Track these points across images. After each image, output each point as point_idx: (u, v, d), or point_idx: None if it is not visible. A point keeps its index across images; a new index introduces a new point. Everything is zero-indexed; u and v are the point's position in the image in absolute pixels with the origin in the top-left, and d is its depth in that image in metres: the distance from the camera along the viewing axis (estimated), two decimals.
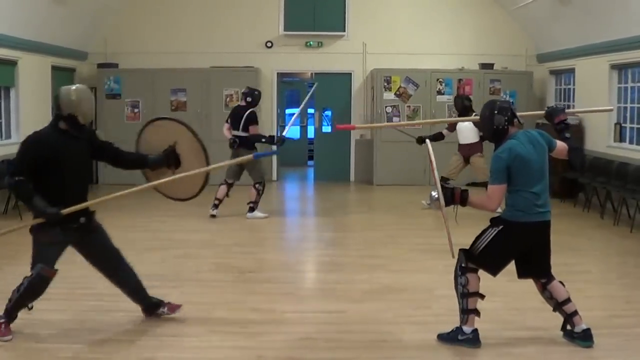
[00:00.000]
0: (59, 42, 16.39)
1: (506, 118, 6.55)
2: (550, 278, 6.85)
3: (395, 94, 18.04)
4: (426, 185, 16.53)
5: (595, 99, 15.05)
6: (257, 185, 13.46)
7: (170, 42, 18.70)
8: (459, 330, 6.71)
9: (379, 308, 7.88)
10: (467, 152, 13.99)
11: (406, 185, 16.85)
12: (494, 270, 6.75)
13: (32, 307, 6.92)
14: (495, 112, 6.56)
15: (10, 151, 13.83)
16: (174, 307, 7.46)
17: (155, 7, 18.79)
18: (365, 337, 6.93)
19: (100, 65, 18.28)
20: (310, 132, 22.22)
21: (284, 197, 16.96)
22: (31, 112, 15.01)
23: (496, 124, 6.56)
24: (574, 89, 16.62)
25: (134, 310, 7.62)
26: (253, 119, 13.35)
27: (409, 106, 17.97)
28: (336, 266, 9.96)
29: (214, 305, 7.91)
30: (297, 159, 21.96)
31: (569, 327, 6.80)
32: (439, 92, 17.94)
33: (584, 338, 6.70)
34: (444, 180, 14.12)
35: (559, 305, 6.78)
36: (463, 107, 14.09)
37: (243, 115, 13.30)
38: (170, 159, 7.51)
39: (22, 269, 8.01)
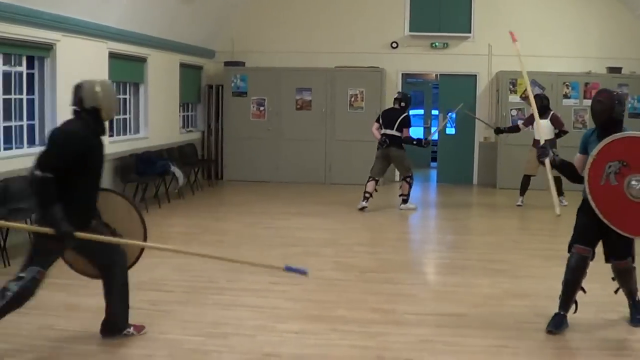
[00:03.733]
0: (187, 40, 16.73)
1: (623, 109, 6.89)
2: None
3: (520, 96, 17.81)
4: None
5: None
6: (407, 179, 14.42)
7: (296, 41, 18.84)
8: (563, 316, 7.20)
9: (500, 313, 7.79)
10: None
11: (530, 189, 16.60)
12: None
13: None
14: (616, 102, 6.81)
15: (139, 145, 14.25)
16: (139, 328, 6.87)
17: (281, 6, 18.96)
18: (484, 342, 6.86)
19: (227, 64, 18.54)
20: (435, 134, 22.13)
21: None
22: (159, 108, 15.37)
23: (615, 114, 6.81)
24: None
25: (256, 305, 7.76)
26: (408, 123, 14.34)
27: None
28: (457, 269, 9.87)
29: (334, 303, 7.94)
30: (420, 160, 21.84)
31: None
32: (565, 96, 17.59)
33: None
34: (526, 178, 15.21)
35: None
36: (542, 106, 14.50)
37: (397, 117, 14.22)
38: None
39: (147, 261, 8.20)
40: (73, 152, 6.06)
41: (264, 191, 16.68)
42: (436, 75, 20.40)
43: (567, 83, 17.75)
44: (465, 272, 9.70)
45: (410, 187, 14.54)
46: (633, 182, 6.71)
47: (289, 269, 6.46)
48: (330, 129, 18.18)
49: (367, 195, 14.20)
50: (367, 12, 18.82)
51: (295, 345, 6.66)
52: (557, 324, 7.12)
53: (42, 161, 6.01)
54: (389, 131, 14.21)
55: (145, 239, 6.81)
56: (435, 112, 21.36)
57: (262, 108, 18.34)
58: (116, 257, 6.58)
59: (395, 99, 14.78)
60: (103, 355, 6.29)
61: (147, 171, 13.82)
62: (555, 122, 14.65)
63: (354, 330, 7.09)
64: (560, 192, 14.70)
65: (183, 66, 16.97)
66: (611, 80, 17.58)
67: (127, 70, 14.40)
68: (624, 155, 6.74)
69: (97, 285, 6.67)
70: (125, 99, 14.62)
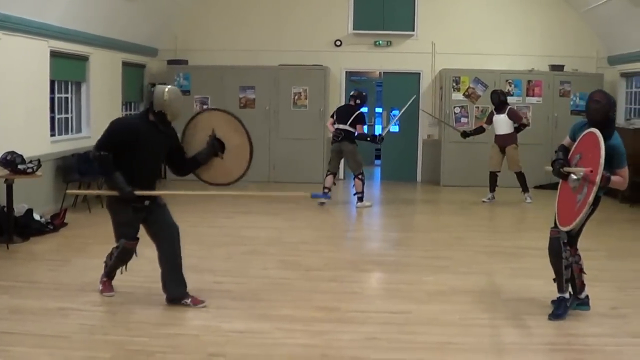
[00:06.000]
0: (130, 39, 16.58)
1: (616, 110, 7.38)
2: None
3: (464, 94, 17.93)
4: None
5: None
6: (360, 176, 14.66)
7: (240, 39, 18.79)
8: (564, 300, 7.45)
9: (445, 310, 7.83)
10: (503, 142, 15.18)
11: (473, 186, 16.72)
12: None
13: (126, 269, 8.03)
14: (612, 102, 7.19)
15: (81, 145, 14.09)
16: (197, 301, 7.76)
17: (226, 4, 18.89)
18: (429, 339, 6.89)
19: (170, 62, 18.42)
20: (378, 132, 22.15)
21: (350, 196, 16.93)
22: (102, 107, 15.19)
23: (612, 114, 7.16)
24: None
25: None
26: (362, 119, 14.74)
27: (478, 107, 17.83)
28: (402, 266, 9.90)
29: (279, 302, 7.91)
30: (364, 158, 21.83)
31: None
32: (508, 94, 17.74)
33: (586, 303, 7.68)
34: (492, 174, 15.24)
35: (580, 272, 7.57)
36: (499, 102, 15.18)
37: (352, 113, 14.59)
38: (215, 146, 7.98)
39: (91, 262, 8.15)
40: (120, 138, 7.42)
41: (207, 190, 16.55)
42: (380, 73, 20.42)
43: (510, 81, 17.91)
44: (410, 269, 9.74)
45: (363, 184, 14.76)
46: (571, 175, 7.24)
47: (314, 196, 8.02)
48: (274, 127, 18.14)
49: (325, 190, 14.52)
50: (311, 10, 18.84)
51: (240, 345, 6.64)
52: (555, 313, 7.47)
53: (97, 141, 7.46)
54: (342, 126, 14.48)
55: (251, 155, 7.99)
56: (379, 109, 21.40)
57: (205, 106, 18.18)
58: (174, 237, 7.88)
59: (351, 96, 15.06)
60: (46, 358, 6.19)
61: (89, 171, 13.65)
62: (513, 116, 14.95)
63: (299, 329, 7.08)
64: (525, 189, 14.89)
65: (125, 65, 16.81)
66: (554, 77, 17.80)
67: (69, 69, 14.22)
68: (583, 147, 7.27)
69: (42, 287, 6.60)
70: (67, 98, 14.43)
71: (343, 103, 18.56)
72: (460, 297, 8.34)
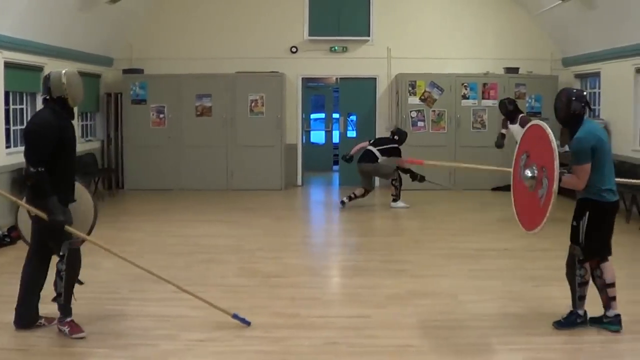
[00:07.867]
0: (85, 48, 16.47)
1: (582, 105, 7.05)
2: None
3: (420, 98, 18.02)
4: (451, 190, 16.50)
5: (620, 103, 14.98)
6: (393, 182, 15.44)
7: (196, 47, 18.76)
8: (575, 314, 7.24)
9: (403, 313, 7.88)
10: None
11: (431, 191, 16.79)
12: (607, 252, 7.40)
13: (83, 282, 7.38)
14: (573, 98, 7.03)
15: None
16: (50, 321, 7.33)
17: (181, 12, 18.85)
18: (389, 342, 6.94)
19: (125, 71, 18.33)
20: (335, 137, 22.19)
21: (309, 202, 16.97)
22: None
23: (572, 110, 7.04)
24: (599, 93, 16.51)
25: (160, 315, 7.70)
26: (397, 153, 15.50)
27: (434, 111, 17.95)
28: (360, 271, 9.95)
29: (238, 309, 7.87)
30: (322, 164, 22.00)
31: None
32: (464, 97, 17.89)
33: (615, 322, 7.15)
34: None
35: (604, 287, 7.23)
36: (507, 112, 14.13)
37: (389, 143, 15.57)
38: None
39: (49, 274, 8.08)
40: (52, 141, 6.84)
41: (166, 199, 16.55)
42: (336, 78, 20.49)
43: (466, 84, 18.04)
44: (369, 273, 9.78)
45: (396, 188, 15.53)
46: (526, 171, 7.14)
47: (235, 317, 7.37)
48: (232, 135, 18.11)
49: (352, 195, 15.52)
50: (267, 17, 18.86)
51: (200, 353, 6.64)
52: (561, 322, 7.34)
53: (31, 158, 6.83)
54: (371, 147, 15.52)
55: (94, 223, 7.69)
56: (336, 115, 21.47)
57: (162, 115, 18.17)
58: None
59: (390, 132, 16.05)
60: None
61: None
62: (525, 124, 14.41)
63: (259, 336, 7.10)
64: None
65: (81, 74, 16.41)
66: (509, 80, 17.95)
67: (23, 80, 14.10)
68: (527, 145, 7.25)
69: (0, 300, 6.56)
70: (21, 109, 14.33)
71: (301, 109, 18.74)
72: (418, 299, 8.39)
